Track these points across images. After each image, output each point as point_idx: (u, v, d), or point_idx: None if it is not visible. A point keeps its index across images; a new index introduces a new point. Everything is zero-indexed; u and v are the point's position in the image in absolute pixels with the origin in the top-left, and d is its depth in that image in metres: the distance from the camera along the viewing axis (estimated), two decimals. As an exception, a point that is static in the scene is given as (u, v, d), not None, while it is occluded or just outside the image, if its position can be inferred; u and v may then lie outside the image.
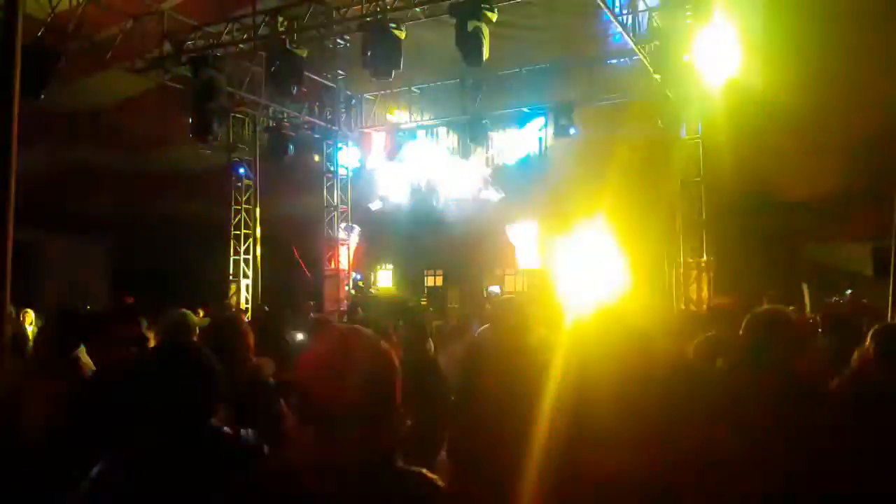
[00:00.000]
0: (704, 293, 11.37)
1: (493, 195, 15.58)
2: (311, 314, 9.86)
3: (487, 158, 15.11)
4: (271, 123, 14.06)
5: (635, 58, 11.05)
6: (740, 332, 2.86)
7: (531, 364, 3.10)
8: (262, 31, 10.72)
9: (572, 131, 13.06)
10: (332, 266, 15.04)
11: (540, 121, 14.44)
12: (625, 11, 10.41)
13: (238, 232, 14.89)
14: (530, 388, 2.98)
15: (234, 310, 11.68)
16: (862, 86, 10.66)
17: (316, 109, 14.42)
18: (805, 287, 11.04)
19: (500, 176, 15.40)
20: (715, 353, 3.55)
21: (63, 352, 3.62)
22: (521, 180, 14.76)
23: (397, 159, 15.44)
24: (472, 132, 13.98)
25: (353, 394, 1.54)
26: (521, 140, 14.74)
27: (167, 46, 11.06)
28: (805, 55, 9.78)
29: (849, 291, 10.21)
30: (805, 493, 2.25)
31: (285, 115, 14.00)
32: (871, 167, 10.53)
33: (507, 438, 2.85)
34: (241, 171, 14.65)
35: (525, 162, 14.88)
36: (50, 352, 3.73)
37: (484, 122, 13.94)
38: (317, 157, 15.24)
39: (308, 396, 1.58)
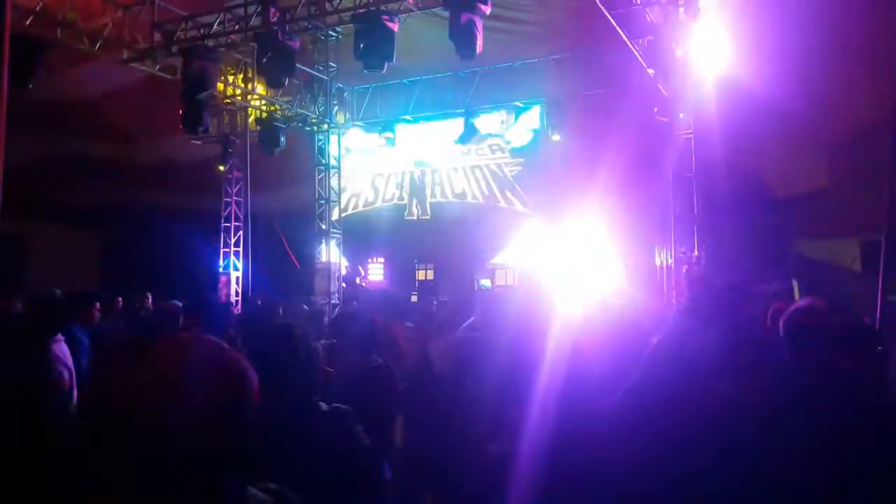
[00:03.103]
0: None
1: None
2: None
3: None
4: (262, 115, 13.98)
5: (629, 52, 11.03)
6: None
7: (523, 356, 3.10)
8: (254, 21, 10.64)
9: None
10: (324, 259, 14.97)
11: (534, 115, 14.47)
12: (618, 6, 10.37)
13: (228, 224, 14.80)
14: (522, 379, 2.98)
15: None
16: (851, 82, 10.70)
17: (307, 101, 14.35)
18: (795, 283, 11.09)
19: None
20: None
21: (35, 340, 3.57)
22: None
23: (390, 146, 15.42)
24: (464, 126, 14.01)
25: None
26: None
27: (157, 37, 10.97)
28: (795, 52, 9.81)
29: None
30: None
31: (277, 106, 13.91)
32: (861, 163, 10.58)
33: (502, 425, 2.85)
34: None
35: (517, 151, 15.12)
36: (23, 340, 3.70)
37: (475, 117, 13.96)
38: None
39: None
